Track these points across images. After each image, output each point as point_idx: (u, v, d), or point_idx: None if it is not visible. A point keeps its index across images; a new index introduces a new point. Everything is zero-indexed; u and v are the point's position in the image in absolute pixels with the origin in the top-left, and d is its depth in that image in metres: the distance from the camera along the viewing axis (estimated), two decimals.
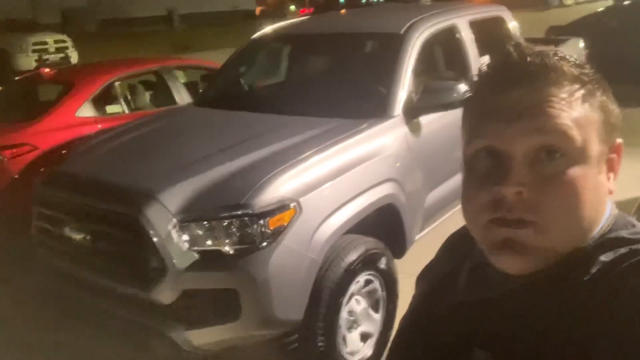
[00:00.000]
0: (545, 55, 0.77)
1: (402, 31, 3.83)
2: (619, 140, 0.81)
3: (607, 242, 0.77)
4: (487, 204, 0.76)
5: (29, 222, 3.34)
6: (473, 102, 0.81)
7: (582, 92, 0.76)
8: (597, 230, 0.78)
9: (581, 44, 6.68)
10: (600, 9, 11.30)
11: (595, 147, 0.76)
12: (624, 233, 0.77)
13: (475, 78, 0.82)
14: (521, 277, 0.77)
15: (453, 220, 3.75)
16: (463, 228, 0.89)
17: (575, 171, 0.74)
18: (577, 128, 0.74)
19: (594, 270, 0.74)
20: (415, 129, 3.50)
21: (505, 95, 0.76)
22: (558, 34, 8.40)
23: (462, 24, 4.33)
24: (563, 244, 0.76)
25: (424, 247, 3.06)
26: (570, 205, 0.74)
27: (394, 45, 3.76)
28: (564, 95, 0.75)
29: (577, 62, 0.78)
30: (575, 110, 0.75)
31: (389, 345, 1.04)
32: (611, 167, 0.80)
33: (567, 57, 0.78)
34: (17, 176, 4.55)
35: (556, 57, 0.77)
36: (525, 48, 0.78)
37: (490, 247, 0.78)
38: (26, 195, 3.50)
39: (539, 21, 11.56)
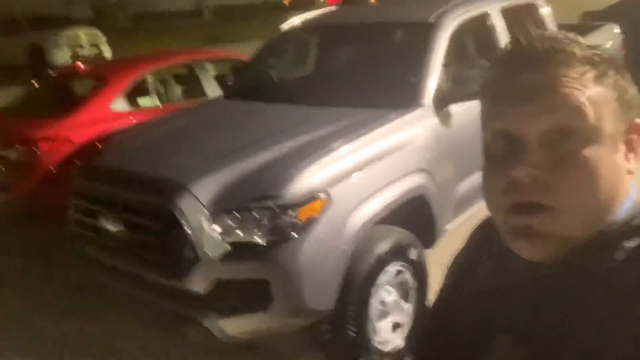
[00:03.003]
0: (553, 39, 0.77)
1: (433, 20, 3.80)
2: (639, 120, 0.80)
3: (632, 228, 0.76)
4: (504, 189, 0.76)
5: (66, 214, 3.42)
6: (487, 90, 0.82)
7: (593, 72, 0.75)
8: (621, 215, 0.77)
9: (617, 29, 6.51)
10: None
11: (610, 126, 0.75)
12: None
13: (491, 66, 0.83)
14: (544, 264, 0.77)
15: (484, 210, 3.72)
16: (489, 217, 0.89)
17: (589, 151, 0.73)
18: (589, 105, 0.74)
19: (618, 257, 0.73)
20: (445, 118, 3.48)
21: (516, 79, 0.77)
22: (593, 20, 8.20)
23: (494, 11, 4.27)
24: (581, 228, 0.75)
25: (455, 237, 3.04)
26: (586, 185, 0.73)
27: (424, 34, 3.73)
28: (574, 75, 0.75)
29: (589, 44, 0.78)
30: (587, 88, 0.74)
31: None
32: (631, 148, 0.79)
33: (578, 39, 0.78)
34: (52, 168, 4.66)
35: (566, 40, 0.77)
36: (534, 33, 0.79)
37: (509, 233, 0.78)
38: (62, 186, 3.59)
39: (574, 6, 11.29)
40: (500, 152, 0.78)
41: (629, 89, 0.79)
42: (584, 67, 0.75)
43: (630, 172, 0.79)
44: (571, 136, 0.74)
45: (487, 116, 0.81)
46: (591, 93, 0.74)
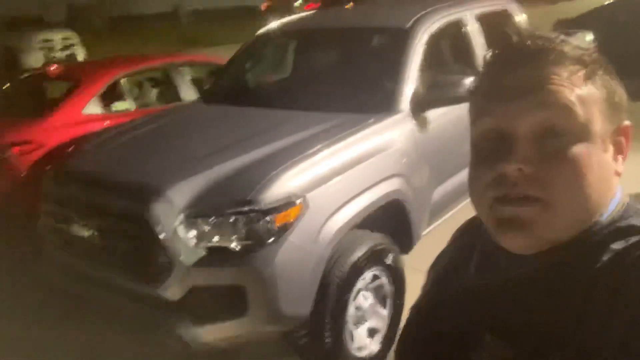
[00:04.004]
0: (545, 38, 0.78)
1: (408, 25, 3.81)
2: (627, 123, 0.81)
3: (619, 229, 0.76)
4: (492, 182, 0.76)
5: (37, 218, 3.35)
6: (477, 86, 0.82)
7: (583, 71, 0.76)
8: (607, 215, 0.77)
9: (589, 37, 6.62)
10: (609, 2, 11.20)
11: (599, 125, 0.76)
12: (635, 221, 0.77)
13: (481, 65, 0.83)
14: (530, 260, 0.77)
15: (461, 215, 3.73)
16: (474, 216, 0.89)
17: (578, 148, 0.74)
18: (579, 104, 0.74)
19: (605, 258, 0.73)
20: (422, 123, 3.48)
21: (508, 75, 0.77)
22: (566, 28, 8.32)
23: (469, 17, 4.30)
24: (568, 223, 0.75)
25: (431, 242, 3.04)
26: (574, 182, 0.74)
27: (401, 39, 3.74)
28: (565, 73, 0.75)
29: (579, 44, 0.79)
30: (577, 87, 0.75)
31: (398, 336, 1.04)
32: (619, 149, 0.80)
33: (569, 39, 0.79)
34: (24, 173, 4.57)
35: (557, 40, 0.78)
36: (526, 31, 0.79)
37: (496, 225, 0.78)
38: (33, 191, 3.51)
39: (547, 14, 11.48)
40: (489, 148, 0.78)
41: (617, 90, 0.79)
42: (574, 66, 0.76)
43: (617, 174, 0.79)
44: (560, 134, 0.74)
45: (476, 113, 0.81)
46: (581, 92, 0.75)
